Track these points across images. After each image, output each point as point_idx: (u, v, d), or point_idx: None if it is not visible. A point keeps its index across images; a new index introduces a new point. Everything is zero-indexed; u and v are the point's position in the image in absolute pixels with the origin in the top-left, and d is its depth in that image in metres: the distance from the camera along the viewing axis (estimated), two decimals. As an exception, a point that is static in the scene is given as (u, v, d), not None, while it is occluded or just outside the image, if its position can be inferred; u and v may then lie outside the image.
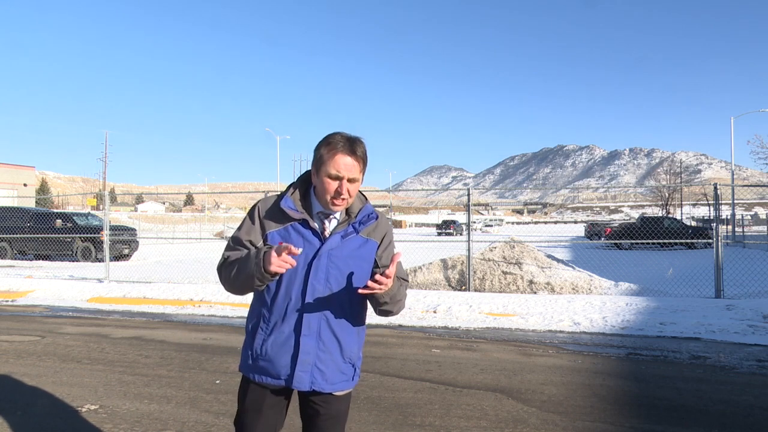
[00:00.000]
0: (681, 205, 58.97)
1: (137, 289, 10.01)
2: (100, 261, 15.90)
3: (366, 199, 2.01)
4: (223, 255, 1.98)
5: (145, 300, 9.26)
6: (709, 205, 29.62)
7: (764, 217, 58.14)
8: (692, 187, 76.75)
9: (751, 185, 13.05)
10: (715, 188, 10.07)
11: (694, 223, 35.98)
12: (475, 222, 27.34)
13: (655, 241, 11.05)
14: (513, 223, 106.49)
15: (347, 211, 1.95)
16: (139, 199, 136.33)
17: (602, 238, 26.47)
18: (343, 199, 1.86)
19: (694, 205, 52.96)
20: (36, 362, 5.33)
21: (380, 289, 1.80)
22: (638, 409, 4.02)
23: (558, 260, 11.66)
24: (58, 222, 18.66)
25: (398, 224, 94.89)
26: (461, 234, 47.85)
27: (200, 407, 4.03)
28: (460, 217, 75.00)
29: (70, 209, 58.60)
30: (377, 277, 1.79)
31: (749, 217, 53.69)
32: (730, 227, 30.09)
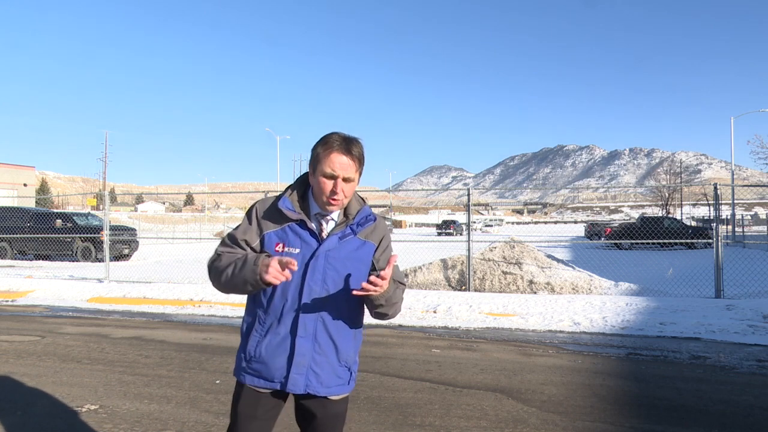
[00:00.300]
0: (681, 205, 58.97)
1: (137, 289, 10.01)
2: (100, 261, 15.90)
3: (364, 201, 2.01)
4: (216, 251, 1.96)
5: (145, 300, 9.26)
6: (709, 205, 29.62)
7: (764, 217, 58.14)
8: (692, 187, 76.76)
9: (751, 185, 13.05)
10: (715, 188, 10.07)
11: (694, 223, 35.98)
12: (475, 222, 27.35)
13: (655, 241, 11.05)
14: (513, 223, 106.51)
15: (345, 213, 1.94)
16: (139, 199, 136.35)
17: (602, 238, 26.46)
18: (338, 199, 1.85)
19: (694, 205, 52.95)
20: (36, 362, 5.33)
21: (375, 291, 1.79)
22: (638, 409, 4.02)
23: (558, 260, 11.66)
24: (58, 222, 18.66)
25: (398, 224, 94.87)
26: (461, 234, 47.86)
27: (200, 407, 4.03)
28: (460, 217, 74.99)
29: (70, 209, 58.59)
30: (372, 278, 1.77)
31: (749, 217, 53.71)
32: (730, 227, 30.10)
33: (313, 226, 1.89)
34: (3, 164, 42.95)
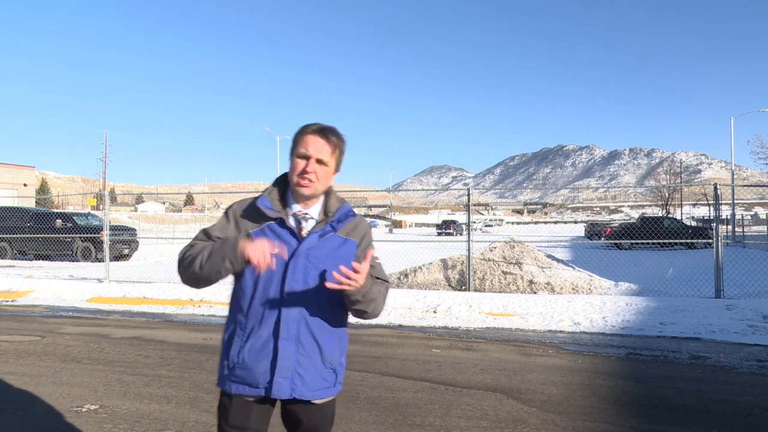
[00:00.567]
0: (681, 205, 58.97)
1: (137, 289, 10.00)
2: (100, 261, 15.89)
3: (344, 200, 1.96)
4: (189, 243, 1.91)
5: (145, 300, 9.26)
6: (709, 205, 29.61)
7: (764, 217, 58.15)
8: (692, 187, 76.78)
9: (751, 185, 13.06)
10: (715, 188, 10.07)
11: (694, 223, 35.98)
12: (475, 222, 27.34)
13: (655, 241, 11.05)
14: (513, 223, 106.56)
15: (325, 212, 1.89)
16: (139, 199, 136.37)
17: (602, 238, 26.47)
18: (310, 180, 1.80)
19: (694, 205, 52.96)
20: (36, 362, 5.33)
21: (349, 285, 1.73)
22: (638, 409, 4.02)
23: (558, 260, 11.65)
24: (58, 222, 18.66)
25: (398, 224, 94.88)
26: (461, 234, 47.86)
27: (200, 407, 4.03)
28: (460, 217, 75.00)
29: (70, 209, 58.60)
30: (344, 269, 1.71)
31: (749, 217, 53.71)
32: (730, 227, 30.10)
33: (292, 224, 1.85)
34: (3, 164, 42.97)
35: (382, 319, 7.60)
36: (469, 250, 9.90)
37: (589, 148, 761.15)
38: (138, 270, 13.60)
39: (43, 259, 18.52)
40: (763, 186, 16.91)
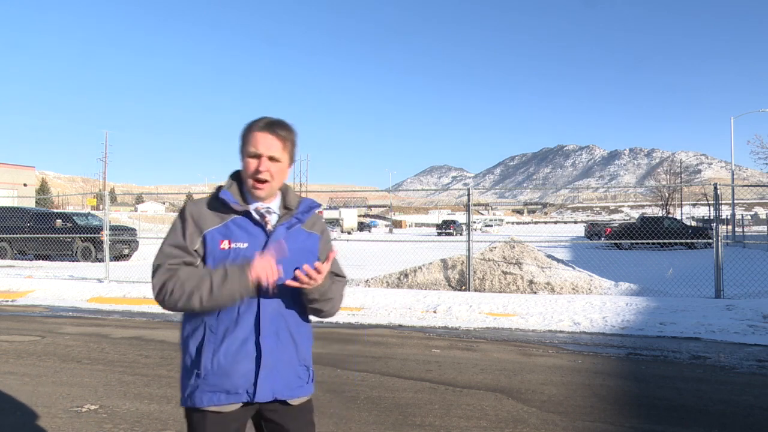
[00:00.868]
0: (681, 205, 58.99)
1: (137, 289, 10.00)
2: (100, 261, 15.88)
3: (301, 195, 1.93)
4: (163, 265, 1.72)
5: (145, 300, 9.26)
6: (709, 205, 29.61)
7: (764, 217, 58.15)
8: (692, 187, 76.76)
9: (751, 185, 13.07)
10: (715, 188, 10.07)
11: (694, 223, 35.99)
12: (475, 222, 27.34)
13: (655, 241, 11.06)
14: (513, 223, 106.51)
15: (285, 206, 1.84)
16: (139, 199, 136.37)
17: (602, 238, 26.47)
18: (264, 180, 1.75)
19: (694, 205, 52.96)
20: (36, 362, 5.34)
21: (309, 283, 1.70)
22: (638, 409, 4.02)
23: (558, 260, 11.65)
24: (58, 222, 18.66)
25: (398, 224, 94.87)
26: (461, 234, 47.85)
27: (200, 407, 4.02)
28: (460, 217, 74.96)
29: (70, 209, 58.59)
30: (306, 267, 1.67)
31: (749, 217, 53.73)
32: (730, 227, 30.10)
33: (257, 217, 1.78)
34: (3, 164, 42.98)
35: (382, 319, 7.60)
36: (469, 250, 9.90)
37: (589, 148, 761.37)
38: (138, 270, 13.58)
39: (43, 259, 18.51)
40: (763, 186, 16.92)
